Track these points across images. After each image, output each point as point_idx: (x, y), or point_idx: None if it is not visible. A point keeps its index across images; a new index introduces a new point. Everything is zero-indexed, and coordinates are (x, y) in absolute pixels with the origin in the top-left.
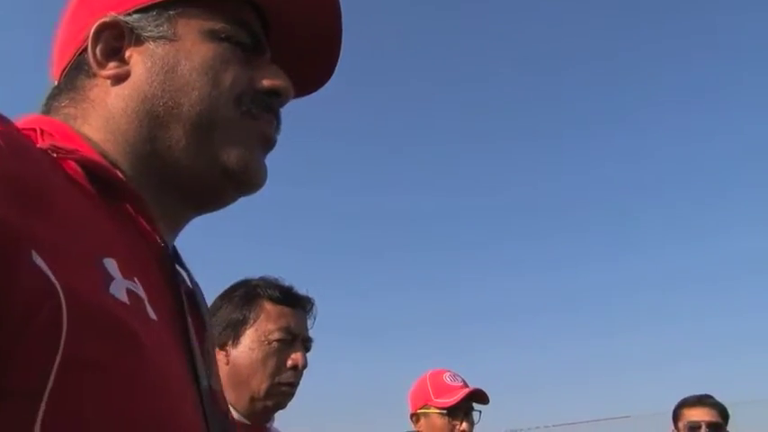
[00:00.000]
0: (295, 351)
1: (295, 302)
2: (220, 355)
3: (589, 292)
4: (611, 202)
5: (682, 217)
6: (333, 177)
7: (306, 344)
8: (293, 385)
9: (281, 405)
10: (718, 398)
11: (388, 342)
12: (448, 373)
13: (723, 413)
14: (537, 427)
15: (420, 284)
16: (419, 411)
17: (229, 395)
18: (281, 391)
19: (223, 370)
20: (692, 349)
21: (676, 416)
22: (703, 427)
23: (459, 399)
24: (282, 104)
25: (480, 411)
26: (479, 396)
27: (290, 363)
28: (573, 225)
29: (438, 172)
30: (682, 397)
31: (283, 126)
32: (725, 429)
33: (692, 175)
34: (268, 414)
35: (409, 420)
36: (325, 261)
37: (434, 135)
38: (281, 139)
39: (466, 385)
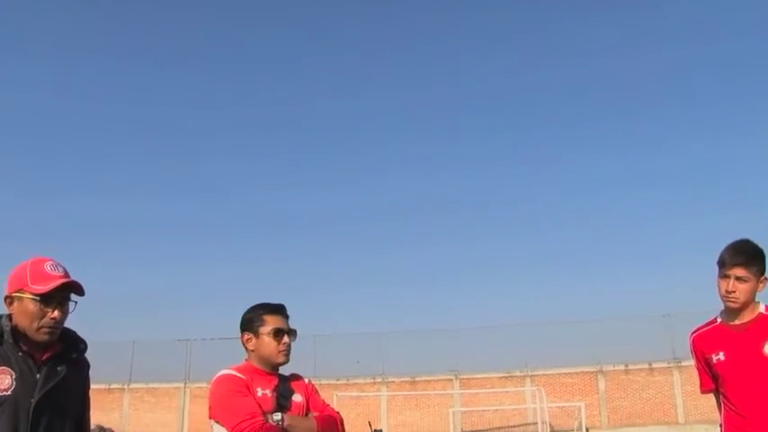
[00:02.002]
0: None
1: None
2: None
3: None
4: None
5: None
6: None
7: None
8: None
9: None
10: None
11: None
12: (50, 262)
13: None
14: (203, 339)
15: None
16: (14, 294)
17: None
18: None
19: None
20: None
21: (257, 320)
22: (285, 335)
23: (53, 287)
24: None
25: (76, 302)
26: (75, 287)
27: None
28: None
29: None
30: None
31: None
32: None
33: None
34: None
35: (2, 302)
36: None
37: None
38: None
39: (66, 276)
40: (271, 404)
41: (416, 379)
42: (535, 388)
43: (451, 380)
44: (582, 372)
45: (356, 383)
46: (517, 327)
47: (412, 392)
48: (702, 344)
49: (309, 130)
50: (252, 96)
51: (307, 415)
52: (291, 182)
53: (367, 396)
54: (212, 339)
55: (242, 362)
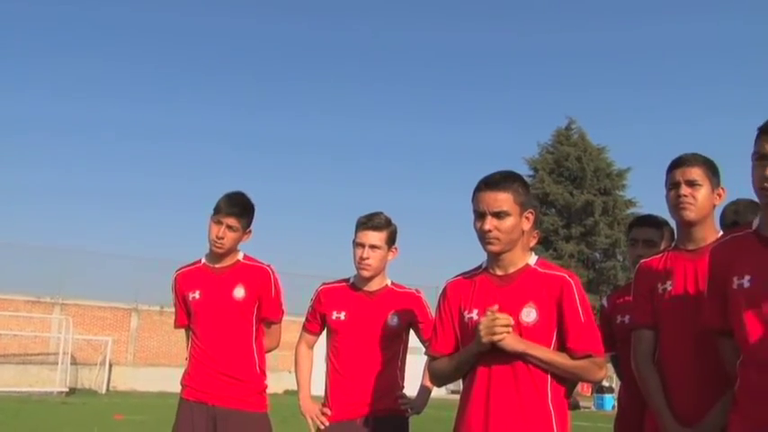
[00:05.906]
0: None
1: None
2: None
3: None
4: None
5: None
6: None
7: None
8: None
9: None
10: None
11: None
12: None
13: None
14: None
15: None
16: None
17: None
18: None
19: None
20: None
21: None
22: None
23: None
24: None
25: None
26: None
27: None
28: None
29: None
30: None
31: None
32: None
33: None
34: None
35: None
36: None
37: None
38: None
39: None
40: None
41: None
42: (63, 317)
43: None
44: (116, 307)
45: None
46: (52, 250)
47: None
48: (183, 282)
49: None
50: None
51: None
52: None
53: None
54: None
55: None
